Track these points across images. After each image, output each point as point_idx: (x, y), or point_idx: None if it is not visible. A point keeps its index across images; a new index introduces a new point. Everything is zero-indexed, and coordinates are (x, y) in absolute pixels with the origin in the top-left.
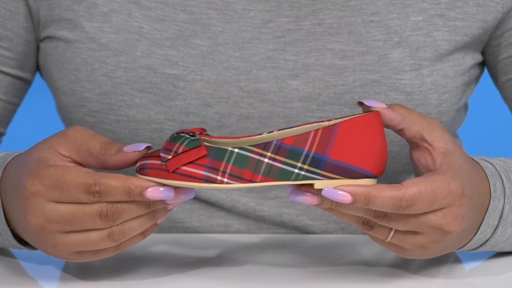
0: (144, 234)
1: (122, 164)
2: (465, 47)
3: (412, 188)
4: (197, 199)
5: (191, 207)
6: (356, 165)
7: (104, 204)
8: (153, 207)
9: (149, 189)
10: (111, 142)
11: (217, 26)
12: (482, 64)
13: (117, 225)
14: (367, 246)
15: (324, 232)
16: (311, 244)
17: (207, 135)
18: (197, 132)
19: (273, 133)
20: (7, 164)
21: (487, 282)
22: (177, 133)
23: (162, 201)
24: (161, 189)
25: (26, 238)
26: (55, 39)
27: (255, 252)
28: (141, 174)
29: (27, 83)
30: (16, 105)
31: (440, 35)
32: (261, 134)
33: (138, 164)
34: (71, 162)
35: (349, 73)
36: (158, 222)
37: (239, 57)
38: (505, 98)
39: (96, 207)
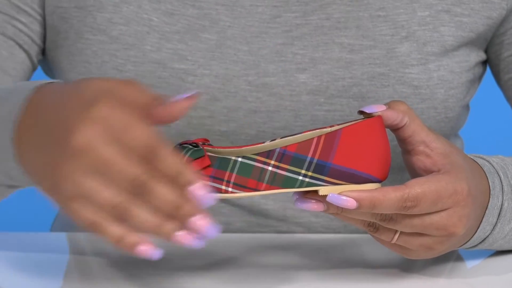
0: (124, 243)
1: (164, 118)
2: (470, 43)
3: (416, 187)
4: None
5: None
6: (360, 170)
7: (146, 174)
8: (177, 210)
9: (199, 184)
10: (158, 96)
11: (226, 21)
12: (485, 63)
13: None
14: (370, 246)
15: (327, 229)
16: (314, 244)
17: (210, 145)
18: (200, 143)
19: (276, 141)
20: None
21: (489, 283)
22: (180, 144)
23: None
24: (203, 192)
25: (36, 152)
26: (64, 31)
27: (257, 252)
28: None
29: (32, 68)
30: None
31: (446, 31)
32: (263, 142)
33: None
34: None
35: (357, 67)
36: (142, 247)
37: (247, 51)
38: (508, 97)
39: (137, 170)
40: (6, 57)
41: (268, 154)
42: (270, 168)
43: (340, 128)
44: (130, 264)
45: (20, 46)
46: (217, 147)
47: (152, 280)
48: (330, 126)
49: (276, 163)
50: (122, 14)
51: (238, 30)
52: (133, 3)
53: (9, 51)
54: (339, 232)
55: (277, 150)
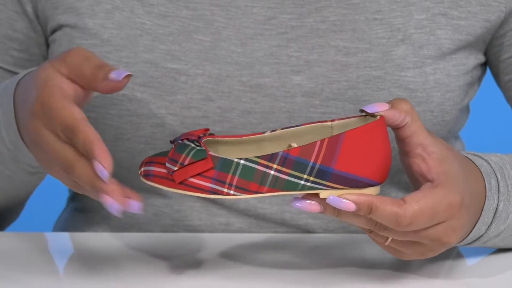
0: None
1: (109, 90)
2: (468, 46)
3: (413, 205)
4: (198, 197)
5: (192, 206)
6: (361, 175)
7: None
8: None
9: (99, 162)
10: (102, 66)
11: (220, 22)
12: (485, 65)
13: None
14: (368, 246)
15: (325, 230)
16: (313, 243)
17: (211, 134)
18: (201, 134)
19: (276, 131)
20: (20, 80)
21: (487, 282)
22: (182, 139)
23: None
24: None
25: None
26: (58, 38)
27: (256, 252)
28: (146, 179)
29: None
30: None
31: (443, 34)
32: (264, 132)
33: (142, 169)
34: (71, 81)
35: (353, 69)
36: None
37: (241, 53)
38: (508, 98)
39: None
40: None
41: (271, 157)
42: (272, 172)
43: (343, 132)
44: (131, 264)
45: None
46: (218, 136)
47: (152, 279)
48: (332, 120)
49: (279, 167)
50: (115, 20)
51: (233, 31)
52: (126, 9)
53: None
54: (337, 233)
55: (280, 153)
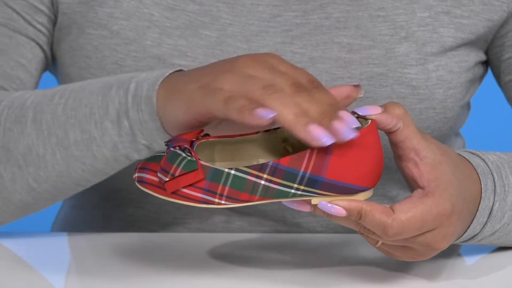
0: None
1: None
2: (469, 44)
3: (401, 216)
4: None
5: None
6: (352, 183)
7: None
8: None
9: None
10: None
11: (226, 19)
12: (486, 64)
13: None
14: (368, 246)
15: (326, 228)
16: (313, 243)
17: (205, 136)
18: (195, 138)
19: (270, 131)
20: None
21: (488, 283)
22: (174, 146)
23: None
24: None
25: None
26: (67, 25)
27: (256, 251)
28: (140, 185)
29: (47, 67)
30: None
31: (446, 32)
32: (257, 132)
33: (136, 175)
34: None
35: (356, 66)
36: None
37: (247, 49)
38: (508, 99)
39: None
40: (31, 59)
41: (261, 167)
42: (262, 182)
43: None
44: (130, 264)
45: (40, 47)
46: (212, 137)
47: (153, 279)
48: None
49: (269, 177)
50: (123, 9)
51: (239, 28)
52: None
53: (32, 52)
54: (337, 232)
55: (270, 163)
